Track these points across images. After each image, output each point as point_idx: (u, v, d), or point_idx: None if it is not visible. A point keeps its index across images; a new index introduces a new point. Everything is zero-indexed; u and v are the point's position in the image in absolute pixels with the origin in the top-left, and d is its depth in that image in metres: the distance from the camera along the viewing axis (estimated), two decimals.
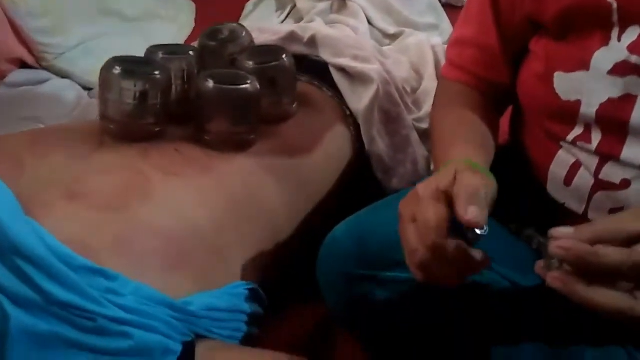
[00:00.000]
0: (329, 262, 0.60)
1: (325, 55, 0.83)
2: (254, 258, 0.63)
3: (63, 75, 1.12)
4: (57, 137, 0.65)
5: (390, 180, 0.81)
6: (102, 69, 0.67)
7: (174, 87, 0.71)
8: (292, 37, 0.85)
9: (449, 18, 1.30)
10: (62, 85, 1.09)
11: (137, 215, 0.56)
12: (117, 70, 0.66)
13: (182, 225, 0.58)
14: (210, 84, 0.68)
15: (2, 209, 0.49)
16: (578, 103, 0.51)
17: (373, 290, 0.58)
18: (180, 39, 1.35)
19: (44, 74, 1.11)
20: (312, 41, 0.84)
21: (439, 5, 1.32)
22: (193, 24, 1.43)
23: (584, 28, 0.50)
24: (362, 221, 0.61)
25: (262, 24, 1.00)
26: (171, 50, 0.76)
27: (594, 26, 0.49)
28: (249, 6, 1.44)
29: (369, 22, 1.17)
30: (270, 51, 0.76)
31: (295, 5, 1.32)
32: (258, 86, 0.69)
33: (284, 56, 0.74)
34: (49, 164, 0.60)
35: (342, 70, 0.82)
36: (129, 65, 0.68)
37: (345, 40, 0.84)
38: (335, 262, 0.59)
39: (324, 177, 0.76)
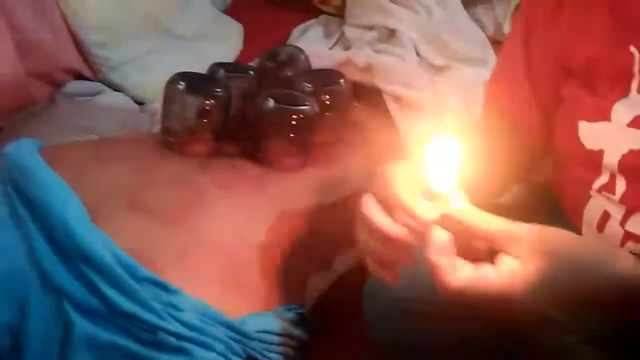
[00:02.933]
0: (379, 292, 0.59)
1: (379, 82, 0.83)
2: (304, 280, 0.63)
3: (116, 88, 1.15)
4: (120, 148, 0.67)
5: None
6: (167, 84, 0.69)
7: (232, 104, 0.72)
8: (347, 62, 0.86)
9: (496, 53, 1.30)
10: (115, 98, 1.12)
11: (196, 230, 0.57)
12: (182, 85, 0.68)
13: (237, 243, 0.58)
14: (271, 103, 0.68)
15: (71, 216, 0.50)
16: (601, 153, 0.50)
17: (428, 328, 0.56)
18: (229, 59, 1.37)
19: (98, 86, 1.14)
20: (367, 68, 0.85)
21: (487, 40, 1.32)
22: (241, 46, 1.46)
23: (606, 78, 0.49)
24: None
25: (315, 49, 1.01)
26: (232, 68, 0.77)
27: (616, 76, 0.49)
28: (296, 32, 1.47)
29: (417, 53, 1.19)
30: (327, 75, 0.77)
31: (343, 34, 1.35)
32: (317, 108, 0.69)
33: (341, 81, 0.75)
34: (113, 174, 0.61)
35: (395, 97, 0.82)
36: (193, 81, 0.69)
37: (399, 68, 0.85)
38: (385, 292, 0.58)
39: None
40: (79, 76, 1.14)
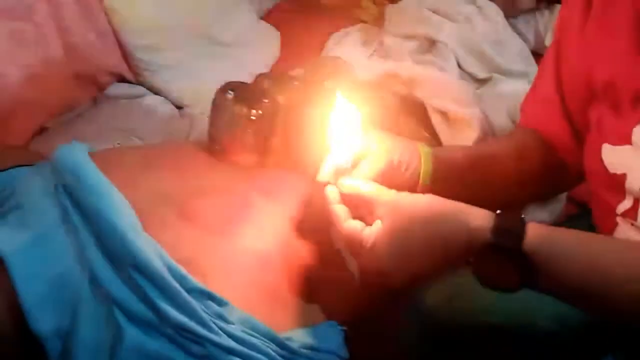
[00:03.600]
0: (416, 325, 0.58)
1: (424, 96, 0.82)
2: (349, 296, 0.62)
3: (157, 92, 1.17)
4: (166, 155, 0.67)
5: None
6: (216, 93, 0.69)
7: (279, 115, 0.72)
8: (392, 75, 0.85)
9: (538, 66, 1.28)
10: (157, 102, 1.14)
11: (241, 240, 0.56)
12: (230, 94, 0.68)
13: (283, 254, 0.57)
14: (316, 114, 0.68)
15: (124, 223, 0.50)
16: (623, 177, 0.49)
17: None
18: (267, 66, 1.38)
19: (140, 89, 1.15)
20: (411, 81, 0.84)
21: (529, 53, 1.30)
22: (278, 53, 1.47)
23: (627, 100, 0.49)
24: (453, 282, 0.60)
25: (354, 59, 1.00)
26: (278, 79, 0.77)
27: (636, 99, 0.48)
28: (332, 39, 1.46)
29: (459, 65, 1.17)
30: (373, 88, 0.76)
31: (382, 42, 1.34)
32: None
33: (387, 95, 0.74)
34: (161, 181, 0.61)
35: (441, 112, 0.81)
36: (241, 91, 0.69)
37: (445, 82, 0.83)
38: (423, 325, 0.58)
39: None
40: (121, 79, 1.16)
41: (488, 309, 0.59)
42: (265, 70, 1.35)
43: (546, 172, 0.62)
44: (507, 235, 0.43)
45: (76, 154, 0.61)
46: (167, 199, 0.59)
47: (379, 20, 1.51)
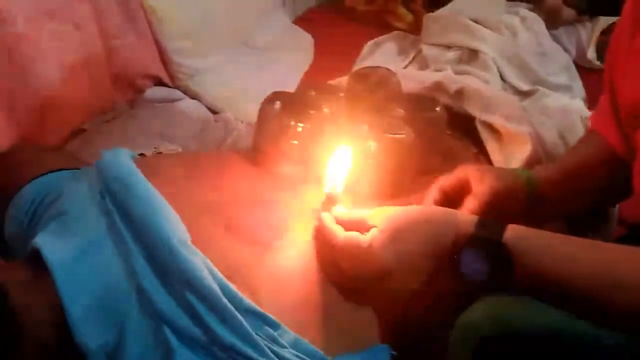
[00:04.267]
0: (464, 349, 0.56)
1: (473, 110, 0.79)
2: (395, 318, 0.60)
3: (193, 96, 1.16)
4: (210, 164, 0.66)
5: None
6: (263, 103, 0.68)
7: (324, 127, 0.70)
8: (438, 87, 0.83)
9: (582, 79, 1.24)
10: (192, 106, 1.13)
11: (289, 257, 0.55)
12: (277, 105, 0.66)
13: (335, 274, 0.55)
14: (365, 129, 0.66)
15: (174, 236, 0.49)
16: None
17: None
18: (300, 71, 1.37)
19: (176, 93, 1.15)
20: (460, 93, 0.81)
21: (573, 65, 1.26)
22: (312, 58, 1.45)
23: None
24: (502, 305, 0.58)
25: (407, 71, 0.98)
26: (324, 89, 0.75)
27: None
28: (367, 46, 1.44)
29: (501, 77, 1.14)
30: (422, 101, 0.74)
31: (419, 52, 1.31)
32: (412, 136, 0.66)
33: (437, 108, 0.72)
34: (206, 191, 0.60)
35: (490, 127, 0.78)
36: (288, 102, 0.68)
37: (496, 95, 0.80)
38: (471, 346, 0.55)
39: None
40: (158, 82, 1.15)
41: (540, 324, 0.57)
42: (298, 76, 1.34)
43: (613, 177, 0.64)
44: (489, 227, 0.48)
45: (122, 161, 0.59)
46: (212, 210, 0.57)
47: (414, 28, 1.49)
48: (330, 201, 0.57)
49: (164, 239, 0.49)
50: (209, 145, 1.06)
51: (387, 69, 0.80)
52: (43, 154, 0.82)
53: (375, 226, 0.51)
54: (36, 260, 0.54)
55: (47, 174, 0.70)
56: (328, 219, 0.54)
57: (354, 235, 0.51)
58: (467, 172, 0.61)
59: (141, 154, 0.98)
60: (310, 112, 0.67)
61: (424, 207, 0.55)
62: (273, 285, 0.51)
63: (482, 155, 0.77)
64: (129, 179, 0.55)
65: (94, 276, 0.50)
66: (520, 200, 0.61)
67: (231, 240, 0.54)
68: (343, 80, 0.88)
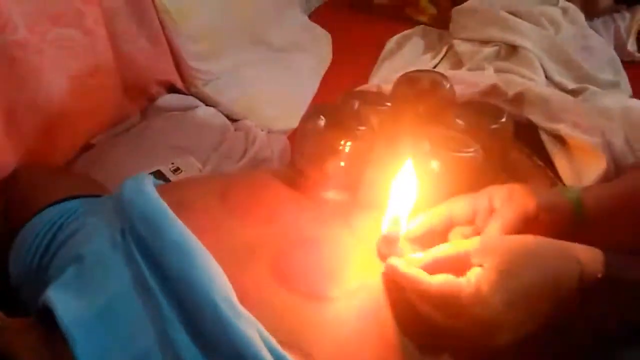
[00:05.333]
0: None
1: (536, 118, 0.70)
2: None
3: (209, 103, 1.06)
4: (249, 192, 0.56)
5: None
6: (305, 119, 0.59)
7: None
8: (493, 91, 0.74)
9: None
10: (209, 115, 1.03)
11: (357, 312, 0.45)
12: (322, 121, 0.57)
13: (392, 321, 0.46)
14: (426, 146, 0.57)
15: (218, 295, 0.40)
16: None
17: None
18: (320, 72, 1.27)
19: (192, 100, 1.05)
20: (519, 98, 0.72)
21: (618, 59, 1.16)
22: (331, 57, 1.36)
23: None
24: None
25: (457, 74, 0.88)
26: (367, 98, 0.66)
27: None
28: (390, 43, 1.35)
29: (545, 74, 1.05)
30: (484, 109, 0.65)
31: (450, 47, 1.22)
32: (481, 154, 0.57)
33: (503, 118, 0.62)
34: (245, 228, 0.51)
35: (557, 137, 0.69)
36: (333, 116, 0.59)
37: (562, 101, 0.71)
38: None
39: None
40: (172, 89, 1.06)
41: None
42: (318, 76, 1.25)
43: None
44: (618, 263, 0.41)
45: (148, 195, 0.50)
46: (255, 253, 0.48)
47: (438, 22, 1.40)
48: (389, 243, 0.48)
49: (210, 304, 0.39)
50: (231, 157, 0.97)
51: (439, 72, 0.71)
52: (52, 177, 0.73)
53: (480, 263, 0.42)
54: (48, 316, 0.45)
55: (59, 202, 0.61)
56: (400, 264, 0.45)
57: (452, 280, 0.42)
58: (491, 193, 0.51)
59: (157, 171, 0.89)
60: (360, 128, 0.58)
61: (534, 237, 0.44)
62: (334, 348, 0.42)
63: (550, 170, 0.67)
64: (158, 221, 0.46)
65: (118, 343, 0.41)
66: (562, 225, 0.50)
67: (282, 293, 0.45)
68: (384, 86, 0.78)
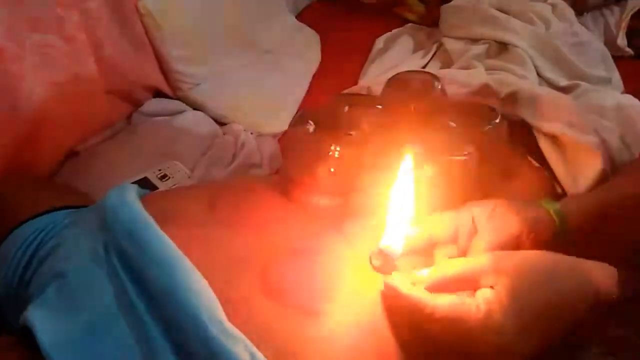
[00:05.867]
0: None
1: (529, 117, 0.69)
2: None
3: (196, 107, 1.04)
4: (237, 201, 0.54)
5: None
6: (293, 124, 0.57)
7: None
8: (485, 91, 0.72)
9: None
10: (197, 119, 1.01)
11: (353, 327, 0.43)
12: (311, 126, 0.56)
13: (388, 331, 0.44)
14: (419, 150, 0.55)
15: (205, 312, 0.38)
16: None
17: None
18: (309, 74, 1.26)
19: (178, 105, 1.03)
20: (512, 98, 0.71)
21: (609, 55, 1.15)
22: (319, 58, 1.34)
23: None
24: None
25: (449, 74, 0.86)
26: (357, 101, 0.65)
27: None
28: (379, 42, 1.33)
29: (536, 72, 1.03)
30: (477, 110, 0.63)
31: (440, 46, 1.20)
32: (476, 158, 0.56)
33: (497, 119, 0.61)
34: (234, 239, 0.49)
35: (552, 137, 0.67)
36: (322, 121, 0.57)
37: (556, 100, 0.69)
38: None
39: None
40: (157, 94, 1.04)
41: None
42: (308, 78, 1.23)
43: None
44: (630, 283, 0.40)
45: (130, 207, 0.48)
46: (244, 265, 0.46)
47: (427, 20, 1.39)
48: (386, 257, 0.46)
49: (196, 323, 0.38)
50: (220, 162, 0.95)
51: (430, 72, 0.69)
52: (34, 188, 0.71)
53: (492, 284, 0.40)
54: (30, 335, 0.43)
55: (40, 215, 0.59)
56: (403, 283, 0.43)
57: (459, 305, 0.40)
58: (473, 211, 0.49)
59: (144, 178, 0.87)
60: (351, 133, 0.56)
61: (544, 254, 0.43)
62: None
63: (545, 169, 0.66)
64: (143, 236, 0.44)
65: None
66: (545, 238, 0.48)
67: (273, 308, 0.43)
68: (374, 87, 0.77)
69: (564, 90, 1.01)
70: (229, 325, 0.39)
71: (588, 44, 1.11)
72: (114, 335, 0.40)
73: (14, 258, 0.54)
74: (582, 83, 1.00)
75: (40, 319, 0.42)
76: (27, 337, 0.43)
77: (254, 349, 0.38)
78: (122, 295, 0.42)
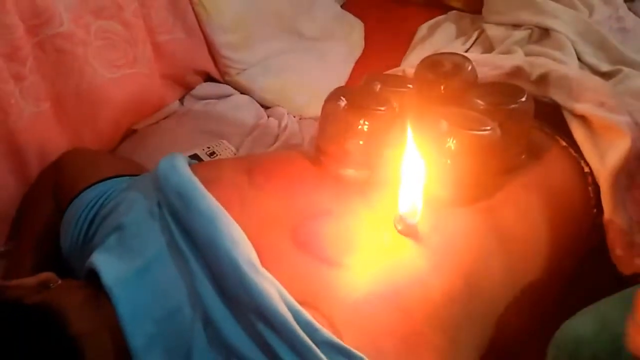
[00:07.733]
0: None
1: (560, 98, 0.70)
2: (482, 343, 0.53)
3: (243, 91, 1.11)
4: (271, 168, 0.60)
5: (631, 259, 0.66)
6: (327, 100, 0.62)
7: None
8: (517, 72, 0.74)
9: None
10: (243, 102, 1.08)
11: (365, 275, 0.48)
12: (343, 102, 0.60)
13: (416, 296, 0.49)
14: (444, 125, 0.59)
15: (242, 258, 0.44)
16: None
17: None
18: (352, 60, 1.29)
19: (226, 89, 1.10)
20: (543, 79, 0.72)
21: None
22: (363, 44, 1.37)
23: None
24: (613, 319, 0.49)
25: (479, 56, 0.89)
26: (389, 81, 0.68)
27: None
28: (422, 29, 1.35)
29: (578, 57, 1.03)
30: (504, 90, 0.66)
31: (482, 32, 1.21)
32: (499, 133, 0.59)
33: (523, 98, 0.63)
34: (269, 200, 0.55)
35: (581, 117, 0.69)
36: (354, 97, 0.61)
37: (587, 81, 0.71)
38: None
39: (552, 244, 0.64)
40: (208, 78, 1.11)
41: None
42: (350, 64, 1.27)
43: None
44: None
45: (180, 171, 0.54)
46: (278, 222, 0.52)
47: (471, 7, 1.39)
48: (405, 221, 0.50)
49: (232, 264, 0.43)
50: (263, 142, 1.01)
51: (461, 54, 0.72)
52: (97, 159, 0.79)
53: None
54: (94, 279, 0.50)
55: (102, 181, 0.67)
56: None
57: None
58: None
59: (194, 154, 0.94)
60: (380, 109, 0.60)
61: None
62: (351, 309, 0.46)
63: (573, 149, 0.68)
64: (189, 194, 0.50)
65: (155, 300, 0.46)
66: None
67: (301, 257, 0.49)
68: (408, 70, 0.80)
69: (606, 75, 1.00)
70: (260, 267, 0.44)
71: (633, 30, 1.10)
72: (165, 274, 0.47)
73: (79, 218, 0.62)
74: (625, 68, 0.99)
75: (103, 262, 0.49)
76: (90, 280, 0.50)
77: (282, 288, 0.43)
78: (172, 243, 0.49)
